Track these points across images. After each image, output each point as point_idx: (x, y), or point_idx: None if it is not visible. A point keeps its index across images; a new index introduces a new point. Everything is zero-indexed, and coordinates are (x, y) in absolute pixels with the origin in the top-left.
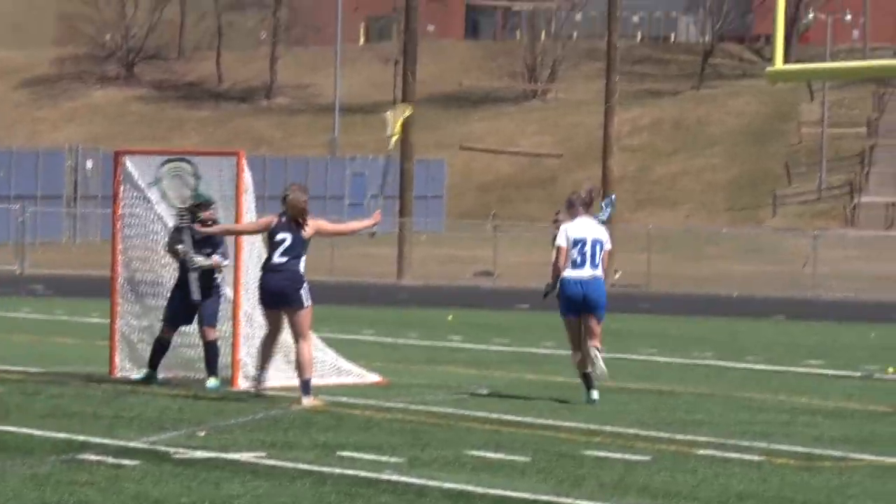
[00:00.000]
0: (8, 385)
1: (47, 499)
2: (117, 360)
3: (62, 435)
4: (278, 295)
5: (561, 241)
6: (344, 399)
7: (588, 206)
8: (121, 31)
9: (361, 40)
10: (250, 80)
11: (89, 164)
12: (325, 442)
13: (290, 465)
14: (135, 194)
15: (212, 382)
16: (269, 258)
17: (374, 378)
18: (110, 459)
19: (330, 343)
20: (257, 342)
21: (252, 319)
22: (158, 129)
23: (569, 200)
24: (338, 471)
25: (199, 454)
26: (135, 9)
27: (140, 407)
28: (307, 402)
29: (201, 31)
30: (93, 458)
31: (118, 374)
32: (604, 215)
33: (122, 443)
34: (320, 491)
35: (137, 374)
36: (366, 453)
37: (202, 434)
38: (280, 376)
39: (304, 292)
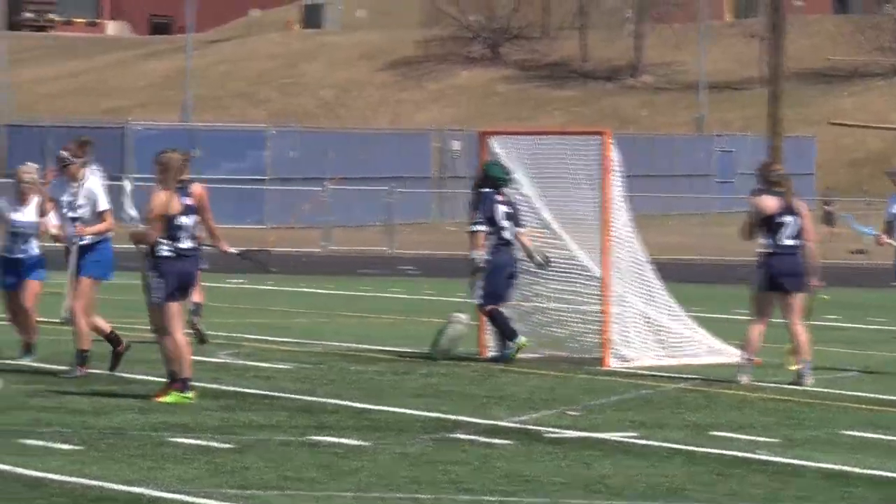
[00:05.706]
0: (380, 365)
1: (420, 478)
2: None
3: (433, 414)
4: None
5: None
6: (716, 379)
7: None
8: (486, 11)
9: (727, 16)
10: (615, 59)
11: (455, 145)
12: (696, 421)
13: (661, 444)
14: None
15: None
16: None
17: None
18: (481, 438)
19: (702, 322)
20: (627, 322)
21: (623, 300)
22: (523, 110)
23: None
24: (710, 450)
25: (570, 433)
26: None
27: (511, 386)
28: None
29: (565, 10)
30: (464, 437)
31: (488, 354)
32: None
33: (492, 422)
34: (692, 470)
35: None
36: (738, 433)
37: (573, 413)
38: (650, 355)
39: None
